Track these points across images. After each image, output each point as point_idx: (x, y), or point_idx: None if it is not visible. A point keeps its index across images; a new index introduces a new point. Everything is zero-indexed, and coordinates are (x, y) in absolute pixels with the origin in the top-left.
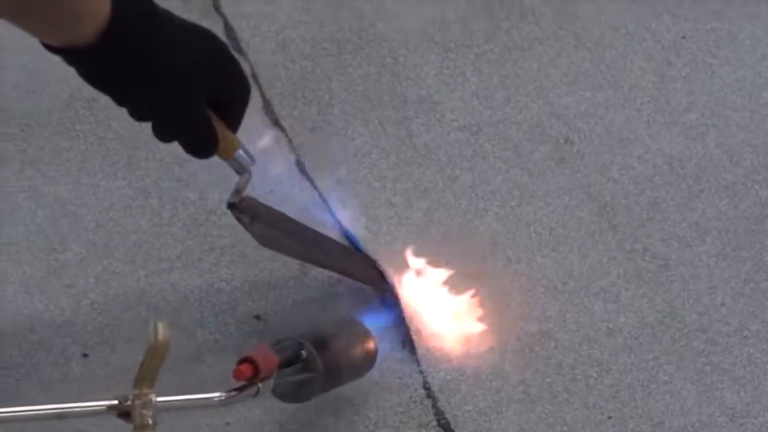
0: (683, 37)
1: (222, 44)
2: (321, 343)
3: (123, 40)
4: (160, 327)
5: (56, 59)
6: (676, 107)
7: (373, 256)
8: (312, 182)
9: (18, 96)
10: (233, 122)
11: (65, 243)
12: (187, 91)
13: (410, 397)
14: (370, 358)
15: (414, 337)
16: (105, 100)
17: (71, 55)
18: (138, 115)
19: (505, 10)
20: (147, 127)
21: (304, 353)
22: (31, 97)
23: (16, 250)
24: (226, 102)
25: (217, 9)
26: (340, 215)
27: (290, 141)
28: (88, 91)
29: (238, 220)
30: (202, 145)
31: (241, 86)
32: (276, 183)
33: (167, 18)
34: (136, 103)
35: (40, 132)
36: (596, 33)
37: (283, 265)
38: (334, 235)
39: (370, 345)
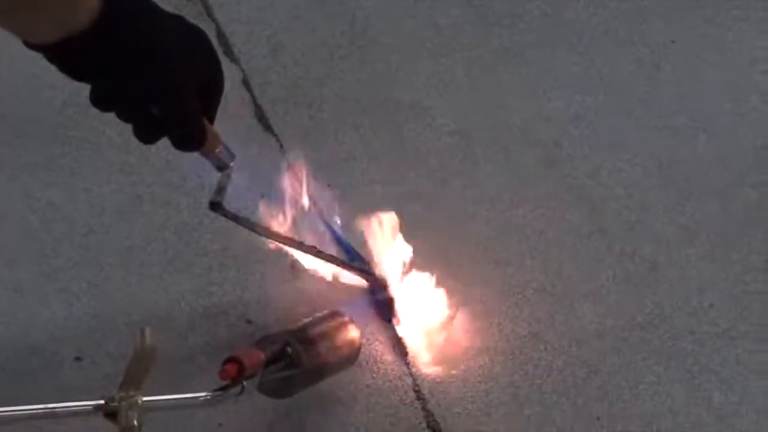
0: (673, 41)
1: (203, 32)
2: (305, 339)
3: (118, 20)
4: (147, 332)
5: (50, 67)
6: (666, 111)
7: (365, 258)
8: (303, 187)
9: (12, 102)
10: (211, 114)
11: (58, 248)
12: (182, 72)
13: (400, 399)
14: (355, 350)
15: (404, 340)
16: None
17: (62, 47)
18: (128, 105)
19: (497, 15)
20: None
21: (289, 350)
22: (25, 103)
23: (10, 254)
24: (205, 92)
25: (210, 14)
26: (331, 219)
27: (281, 146)
28: (82, 97)
29: (225, 216)
30: (193, 135)
31: (220, 75)
32: (267, 187)
33: (154, 2)
34: (128, 90)
35: (34, 138)
36: (587, 38)
37: (274, 268)
38: (324, 237)
39: (355, 337)
